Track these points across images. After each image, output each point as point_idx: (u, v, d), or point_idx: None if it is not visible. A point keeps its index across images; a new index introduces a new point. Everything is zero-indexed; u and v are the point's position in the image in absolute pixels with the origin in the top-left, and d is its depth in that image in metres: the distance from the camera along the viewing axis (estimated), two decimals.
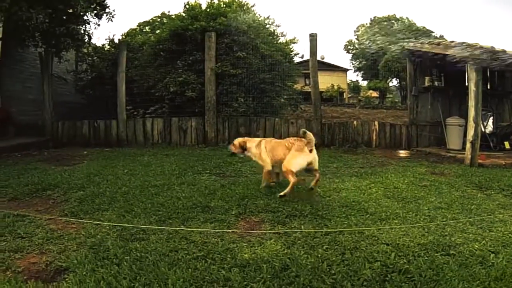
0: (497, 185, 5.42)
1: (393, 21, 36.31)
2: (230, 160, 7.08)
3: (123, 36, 13.54)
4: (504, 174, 6.34)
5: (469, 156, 7.52)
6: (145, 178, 5.65)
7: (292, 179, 4.47)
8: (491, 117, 10.24)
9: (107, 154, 8.42)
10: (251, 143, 5.12)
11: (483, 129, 9.37)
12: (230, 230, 3.46)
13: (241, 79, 9.91)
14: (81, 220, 3.71)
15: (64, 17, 9.07)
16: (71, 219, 3.75)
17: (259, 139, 5.24)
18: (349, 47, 40.47)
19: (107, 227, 3.46)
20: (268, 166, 4.88)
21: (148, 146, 9.67)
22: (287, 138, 5.05)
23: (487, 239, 3.26)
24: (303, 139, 4.65)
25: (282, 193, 4.39)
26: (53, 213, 4.03)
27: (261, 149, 4.94)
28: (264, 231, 3.46)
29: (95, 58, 12.36)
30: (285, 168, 4.56)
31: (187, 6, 11.29)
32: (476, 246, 3.09)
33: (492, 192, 5.12)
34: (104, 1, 9.93)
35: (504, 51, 7.38)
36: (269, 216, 3.88)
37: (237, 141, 5.23)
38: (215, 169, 6.53)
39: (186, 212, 3.92)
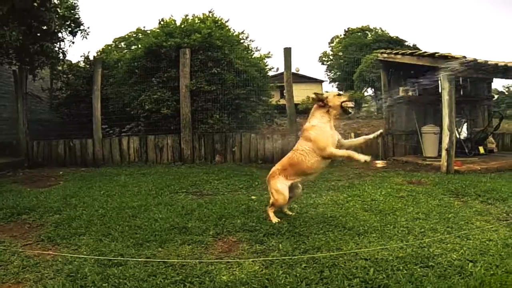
0: (473, 191, 5.59)
1: (367, 32, 37.01)
2: (207, 178, 7.14)
3: (98, 53, 13.41)
4: (480, 179, 6.56)
5: (445, 164, 7.77)
6: (122, 199, 5.61)
7: None
8: (465, 123, 10.57)
9: (83, 174, 8.34)
10: None
11: (457, 135, 9.67)
12: (206, 260, 3.50)
13: (216, 95, 9.90)
14: (55, 254, 3.70)
15: (38, 35, 9.02)
16: (48, 246, 3.73)
17: None
18: (323, 58, 40.94)
19: (85, 252, 3.46)
20: None
21: (124, 165, 9.56)
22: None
23: (465, 248, 3.33)
24: None
25: None
26: (29, 239, 3.99)
27: None
28: (242, 251, 3.48)
29: (70, 75, 12.21)
30: None
31: (162, 23, 11.30)
32: (455, 256, 3.15)
33: (469, 199, 5.28)
34: (78, 18, 9.97)
35: (475, 60, 7.66)
36: (247, 236, 3.86)
37: None
38: (192, 187, 6.54)
39: (164, 234, 3.90)
